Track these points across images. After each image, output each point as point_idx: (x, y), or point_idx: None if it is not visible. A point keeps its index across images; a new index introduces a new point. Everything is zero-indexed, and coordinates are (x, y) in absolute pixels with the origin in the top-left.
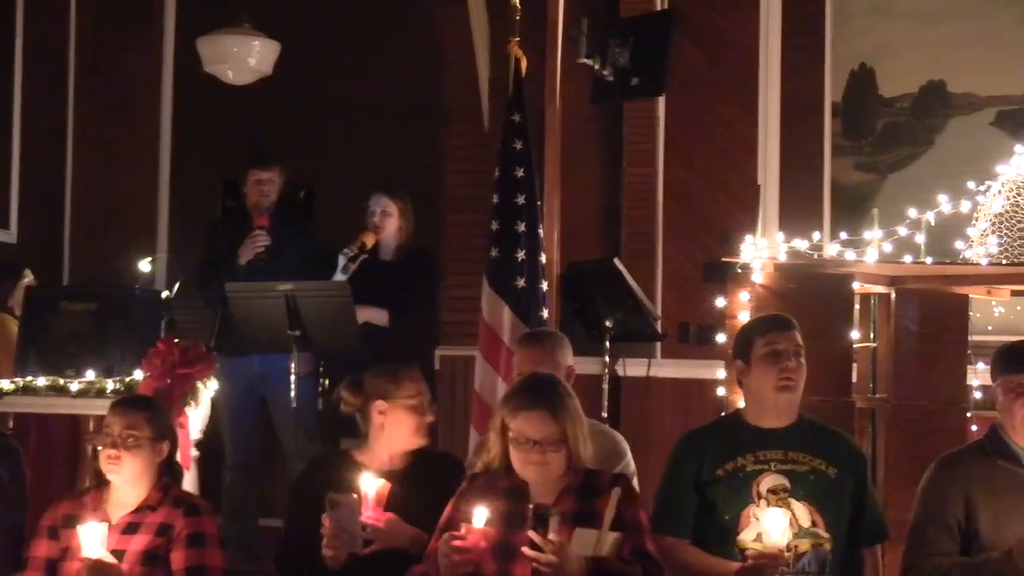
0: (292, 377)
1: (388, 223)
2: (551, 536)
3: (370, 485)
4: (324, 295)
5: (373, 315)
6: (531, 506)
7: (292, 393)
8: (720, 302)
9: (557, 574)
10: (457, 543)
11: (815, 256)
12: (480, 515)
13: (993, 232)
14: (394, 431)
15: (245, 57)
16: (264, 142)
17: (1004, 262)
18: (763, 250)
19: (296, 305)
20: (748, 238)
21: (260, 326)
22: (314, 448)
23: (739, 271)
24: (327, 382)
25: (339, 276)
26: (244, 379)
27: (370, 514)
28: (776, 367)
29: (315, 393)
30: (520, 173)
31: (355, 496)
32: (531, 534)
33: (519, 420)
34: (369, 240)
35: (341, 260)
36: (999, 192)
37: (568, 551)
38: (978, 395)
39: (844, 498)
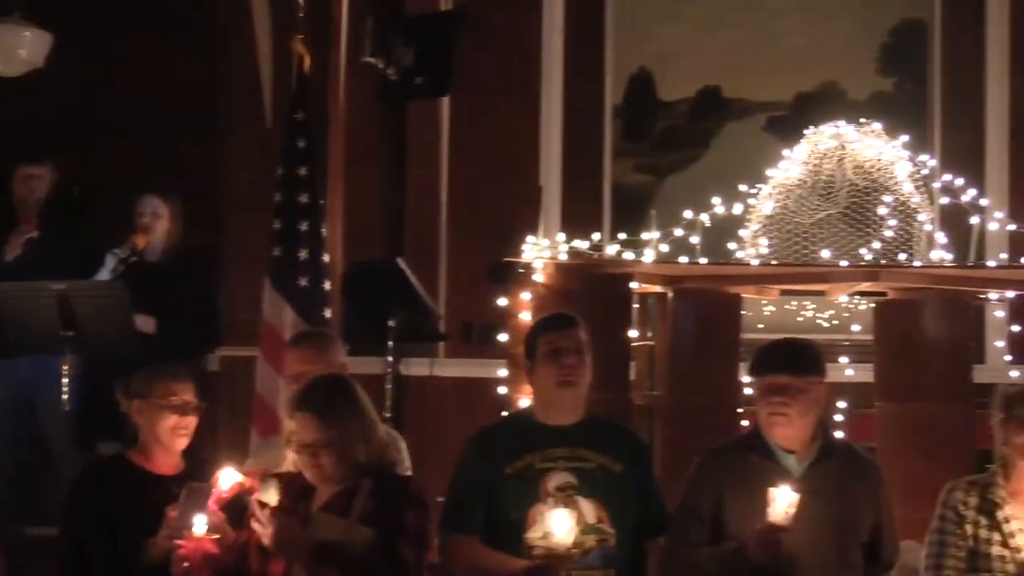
0: (64, 380)
1: (158, 225)
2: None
3: (227, 480)
4: (99, 295)
5: (140, 322)
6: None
7: (64, 396)
8: (502, 302)
9: (278, 546)
10: (181, 552)
11: (595, 256)
12: (200, 522)
13: (764, 233)
14: (151, 431)
15: (15, 48)
16: (35, 137)
17: (774, 262)
18: (544, 250)
19: (70, 305)
20: (530, 238)
21: (29, 327)
22: (86, 454)
23: (521, 271)
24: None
25: (105, 276)
26: (9, 383)
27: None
28: (557, 364)
29: (85, 395)
30: (303, 172)
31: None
32: (252, 500)
33: (294, 423)
34: (140, 242)
35: (110, 260)
36: (769, 195)
37: (286, 524)
38: (749, 391)
39: (630, 493)
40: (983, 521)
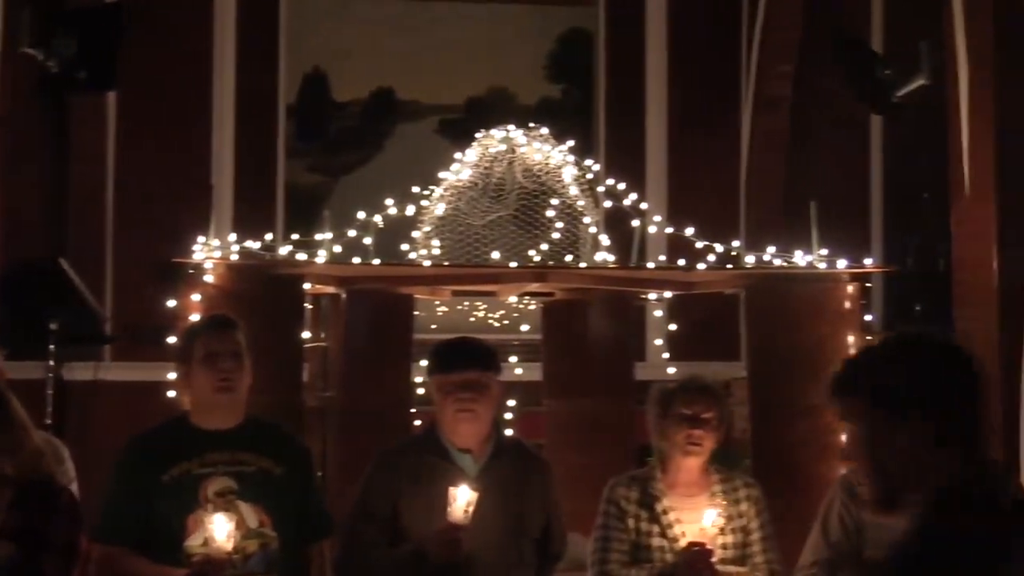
0: None
1: None
2: None
3: None
4: None
5: None
6: None
7: None
8: (171, 303)
9: None
10: None
11: (267, 257)
12: None
13: (436, 235)
14: None
15: None
16: None
17: (446, 263)
18: (215, 251)
19: None
20: (200, 238)
21: None
22: None
23: (191, 272)
24: None
25: None
26: None
27: None
28: (214, 368)
29: None
30: None
31: None
32: None
33: None
34: None
35: None
36: (441, 196)
37: None
38: (421, 391)
39: (291, 495)
40: (644, 514)
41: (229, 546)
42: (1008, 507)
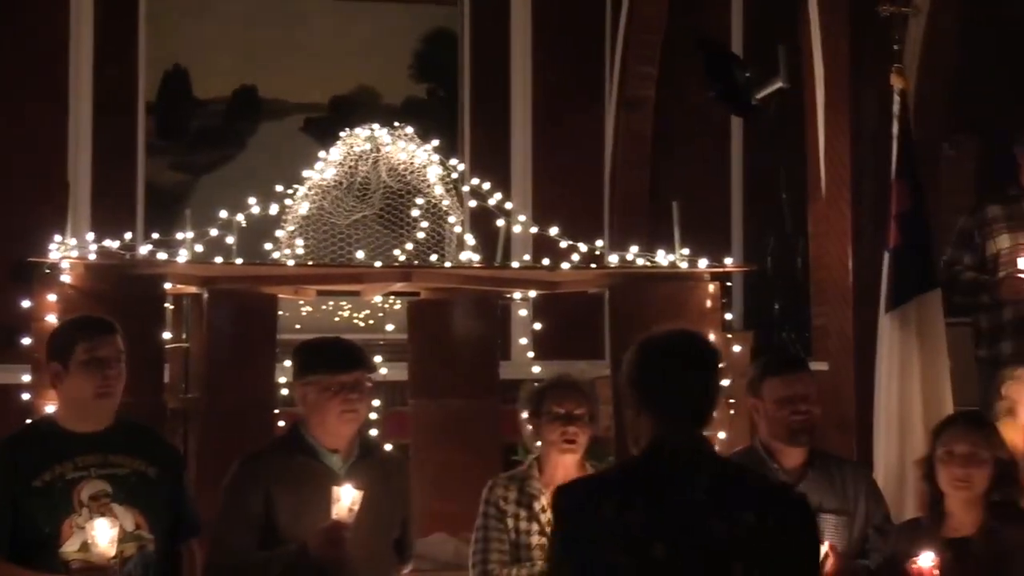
0: None
1: None
2: None
3: None
4: None
5: None
6: None
7: None
8: (26, 303)
9: None
10: None
11: (127, 256)
12: None
13: (300, 234)
14: None
15: None
16: None
17: (310, 263)
18: (72, 249)
19: None
20: (57, 237)
21: None
22: None
23: (47, 271)
24: None
25: None
26: None
27: None
28: (100, 375)
29: None
30: None
31: None
32: None
33: None
34: None
35: None
36: (305, 196)
37: None
38: (285, 392)
39: (164, 497)
40: (523, 513)
41: (112, 551)
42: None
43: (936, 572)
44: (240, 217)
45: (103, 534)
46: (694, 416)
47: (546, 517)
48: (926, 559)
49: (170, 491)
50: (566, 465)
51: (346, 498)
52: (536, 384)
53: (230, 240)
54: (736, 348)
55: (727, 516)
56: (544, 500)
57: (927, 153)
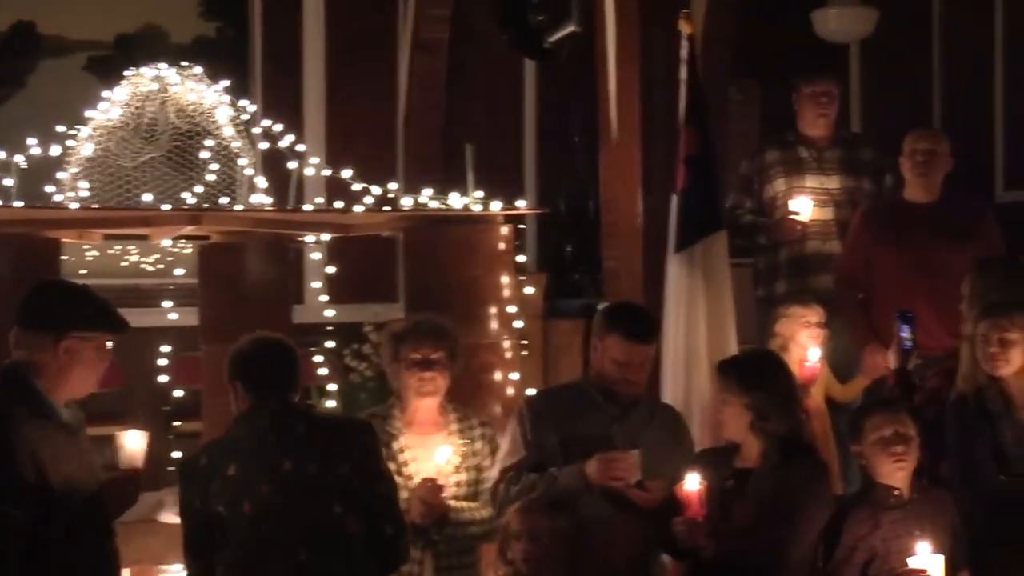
0: None
1: None
2: None
3: None
4: None
5: None
6: None
7: None
8: None
9: None
10: None
11: None
12: None
13: (84, 176)
14: None
15: None
16: None
17: (95, 206)
18: None
19: None
20: None
21: None
22: None
23: None
24: None
25: None
26: None
27: None
28: None
29: None
30: None
31: None
32: None
33: None
34: None
35: None
36: (89, 137)
37: None
38: None
39: None
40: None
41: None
42: None
43: (702, 491)
44: (20, 158)
45: (134, 441)
46: None
47: (403, 457)
48: (692, 481)
49: None
50: (427, 408)
51: (133, 443)
52: (395, 327)
53: (8, 182)
54: (529, 290)
55: None
56: (403, 440)
57: (715, 98)
